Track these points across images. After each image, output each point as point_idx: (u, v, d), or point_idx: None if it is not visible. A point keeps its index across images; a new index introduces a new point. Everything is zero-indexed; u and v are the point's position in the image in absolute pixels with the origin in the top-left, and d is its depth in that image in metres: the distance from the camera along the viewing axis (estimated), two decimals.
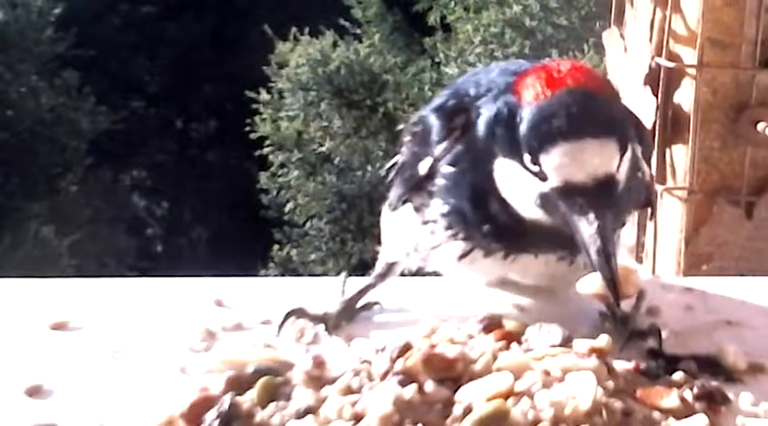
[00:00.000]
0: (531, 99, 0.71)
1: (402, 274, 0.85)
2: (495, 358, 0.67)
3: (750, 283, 0.93)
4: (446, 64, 3.98)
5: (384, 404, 0.62)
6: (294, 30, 4.04)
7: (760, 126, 1.26)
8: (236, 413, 0.63)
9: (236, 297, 0.84)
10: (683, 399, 0.66)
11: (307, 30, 4.03)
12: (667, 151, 1.35)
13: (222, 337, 0.78)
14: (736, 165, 1.31)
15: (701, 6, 1.28)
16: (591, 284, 0.71)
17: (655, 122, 1.34)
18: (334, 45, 4.03)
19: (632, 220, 1.42)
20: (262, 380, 0.66)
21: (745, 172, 1.31)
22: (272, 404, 0.64)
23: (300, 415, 0.63)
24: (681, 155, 1.33)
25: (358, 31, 4.34)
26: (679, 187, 1.33)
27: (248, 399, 0.65)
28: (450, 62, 3.95)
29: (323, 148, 3.93)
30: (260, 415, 0.64)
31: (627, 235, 1.47)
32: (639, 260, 1.42)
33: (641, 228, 1.41)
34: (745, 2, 1.27)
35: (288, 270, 3.91)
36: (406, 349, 0.67)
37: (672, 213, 1.36)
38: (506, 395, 0.64)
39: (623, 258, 1.46)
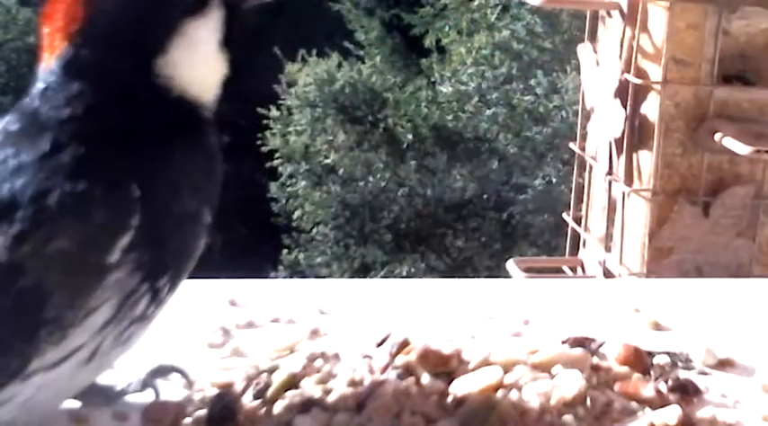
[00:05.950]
0: None
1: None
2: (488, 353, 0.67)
3: (723, 285, 0.93)
4: (441, 83, 3.99)
5: (384, 396, 0.62)
6: (302, 51, 4.05)
7: (717, 136, 1.29)
8: (234, 409, 0.63)
9: (248, 297, 0.84)
10: (658, 391, 0.66)
11: (314, 51, 4.03)
12: (634, 156, 1.39)
13: (236, 334, 0.78)
14: (695, 170, 1.35)
15: (666, 28, 1.31)
16: None
17: (623, 131, 1.38)
18: (339, 65, 4.04)
19: (602, 215, 1.45)
20: (283, 377, 0.65)
21: (703, 175, 1.35)
22: (283, 396, 0.64)
23: (307, 406, 0.63)
24: (646, 160, 1.36)
25: (361, 53, 4.35)
26: (644, 189, 1.37)
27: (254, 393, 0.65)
28: (444, 81, 3.96)
29: (328, 160, 3.93)
30: (269, 407, 0.64)
31: (597, 227, 1.49)
32: (608, 249, 1.45)
33: (610, 221, 1.44)
34: (705, 25, 1.31)
35: (296, 272, 3.92)
36: (404, 345, 0.67)
37: (637, 211, 1.39)
38: (496, 388, 0.64)
39: (594, 248, 1.47)
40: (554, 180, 3.60)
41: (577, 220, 1.54)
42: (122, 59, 0.56)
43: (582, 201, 1.53)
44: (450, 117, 3.90)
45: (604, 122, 1.40)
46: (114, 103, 0.56)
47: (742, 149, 1.24)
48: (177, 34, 0.57)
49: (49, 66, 0.57)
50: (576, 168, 1.56)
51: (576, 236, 1.56)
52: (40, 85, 0.57)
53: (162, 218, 0.56)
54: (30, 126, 0.56)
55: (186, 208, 0.58)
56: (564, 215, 1.57)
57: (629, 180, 1.38)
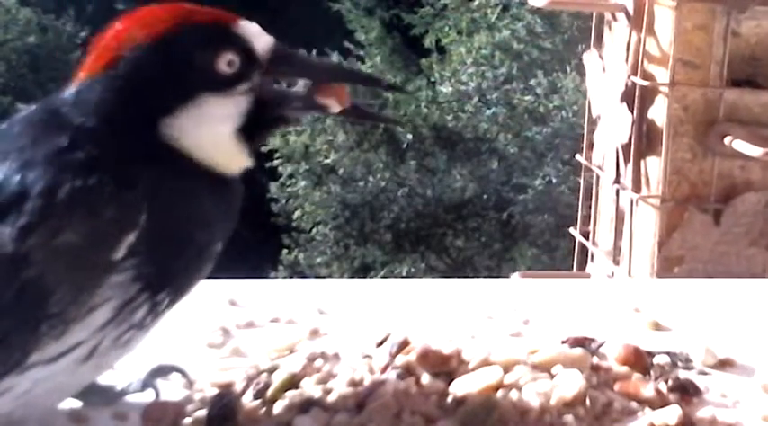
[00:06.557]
0: None
1: None
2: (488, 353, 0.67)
3: (723, 285, 0.93)
4: (441, 83, 3.99)
5: (384, 396, 0.62)
6: (302, 51, 4.04)
7: (727, 139, 1.27)
8: (234, 409, 0.63)
9: (248, 297, 0.84)
10: (658, 391, 0.66)
11: (314, 51, 4.03)
12: (642, 162, 1.36)
13: (236, 334, 0.78)
14: (706, 176, 1.32)
15: (673, 30, 1.30)
16: None
17: (631, 136, 1.35)
18: None
19: (610, 227, 1.43)
20: (283, 377, 0.65)
21: (714, 181, 1.32)
22: (283, 396, 0.64)
23: (307, 406, 0.63)
24: (654, 166, 1.34)
25: (361, 53, 4.35)
26: (653, 195, 1.34)
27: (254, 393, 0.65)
28: (444, 81, 3.96)
29: (328, 160, 3.93)
30: (268, 407, 0.64)
31: (604, 240, 1.48)
32: (616, 262, 1.42)
33: (618, 233, 1.42)
34: (713, 26, 1.29)
35: (295, 272, 3.92)
36: (404, 345, 0.67)
37: (646, 219, 1.36)
38: (496, 388, 0.64)
39: (603, 261, 1.47)
40: (554, 180, 3.60)
41: (585, 234, 1.51)
42: (131, 106, 0.57)
43: (589, 212, 1.50)
44: (450, 117, 3.91)
45: (611, 129, 1.38)
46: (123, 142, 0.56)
47: (753, 151, 1.22)
48: (191, 103, 0.58)
49: (74, 87, 0.58)
50: (582, 180, 1.52)
51: (584, 251, 1.53)
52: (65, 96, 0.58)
53: (168, 237, 0.56)
54: (51, 120, 0.57)
55: (194, 237, 0.58)
56: (571, 229, 1.54)
57: (636, 187, 1.35)
